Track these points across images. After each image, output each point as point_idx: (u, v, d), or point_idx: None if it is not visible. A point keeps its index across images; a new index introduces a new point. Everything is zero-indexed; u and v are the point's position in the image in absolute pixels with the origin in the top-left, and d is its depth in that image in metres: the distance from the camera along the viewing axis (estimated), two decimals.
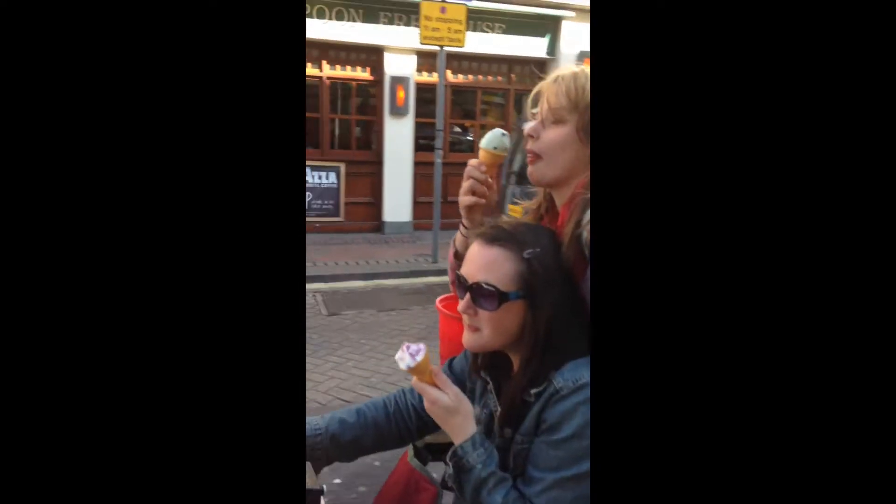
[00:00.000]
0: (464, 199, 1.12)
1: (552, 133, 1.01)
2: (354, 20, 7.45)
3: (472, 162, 1.12)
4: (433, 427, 1.15)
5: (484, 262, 0.97)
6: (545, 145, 1.01)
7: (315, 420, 1.14)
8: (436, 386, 1.00)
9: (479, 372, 1.11)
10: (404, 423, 1.18)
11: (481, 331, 0.98)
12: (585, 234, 0.90)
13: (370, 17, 7.48)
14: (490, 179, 1.12)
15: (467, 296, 0.98)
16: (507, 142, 1.13)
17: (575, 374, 0.93)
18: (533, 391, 0.96)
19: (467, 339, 1.01)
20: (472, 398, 1.09)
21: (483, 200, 1.11)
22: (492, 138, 1.12)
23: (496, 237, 0.98)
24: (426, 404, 1.00)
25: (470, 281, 0.97)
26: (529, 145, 1.03)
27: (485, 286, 0.95)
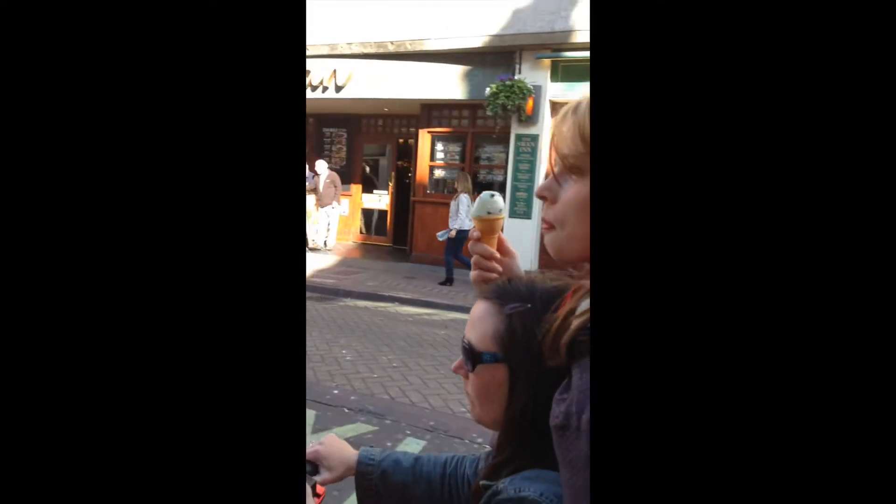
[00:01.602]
0: (473, 275, 1.00)
1: (571, 192, 0.70)
2: None
3: (473, 236, 0.99)
4: None
5: (472, 317, 0.84)
6: (562, 212, 0.71)
7: (372, 451, 1.09)
8: None
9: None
10: (457, 490, 1.05)
11: (473, 399, 0.85)
12: (575, 324, 0.68)
13: None
14: (493, 250, 0.98)
15: (461, 357, 0.86)
16: (499, 202, 0.98)
17: (522, 484, 0.72)
18: (482, 482, 0.79)
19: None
20: None
21: (493, 275, 0.97)
22: (481, 204, 0.98)
23: (488, 290, 0.85)
24: None
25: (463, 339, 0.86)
26: (544, 213, 0.76)
27: (463, 344, 0.82)
